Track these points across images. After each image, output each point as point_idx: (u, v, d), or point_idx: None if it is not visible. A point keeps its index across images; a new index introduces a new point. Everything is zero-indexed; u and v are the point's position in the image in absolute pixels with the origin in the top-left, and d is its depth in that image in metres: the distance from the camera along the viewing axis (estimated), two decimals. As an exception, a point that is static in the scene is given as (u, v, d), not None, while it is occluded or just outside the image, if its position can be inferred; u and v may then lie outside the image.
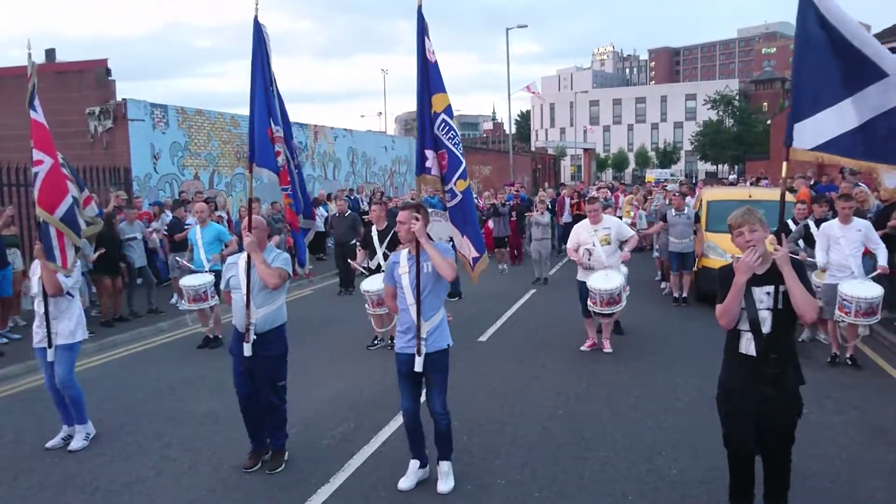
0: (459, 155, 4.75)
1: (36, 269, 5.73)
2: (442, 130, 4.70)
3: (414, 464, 4.83)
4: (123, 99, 15.35)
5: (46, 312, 5.62)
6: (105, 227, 10.33)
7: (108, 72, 15.46)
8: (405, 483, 4.76)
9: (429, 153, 4.73)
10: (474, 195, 19.07)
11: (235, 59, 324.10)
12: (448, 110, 4.74)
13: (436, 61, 4.75)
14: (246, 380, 5.12)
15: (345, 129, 26.09)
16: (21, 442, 5.88)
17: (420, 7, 4.64)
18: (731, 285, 3.84)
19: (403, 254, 4.85)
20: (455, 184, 4.72)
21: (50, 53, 21.25)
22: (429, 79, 4.70)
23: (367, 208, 18.62)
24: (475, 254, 4.76)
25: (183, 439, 5.82)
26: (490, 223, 16.73)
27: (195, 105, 17.51)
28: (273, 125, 5.12)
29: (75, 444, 5.67)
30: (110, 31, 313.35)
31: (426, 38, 4.69)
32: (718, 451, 4.91)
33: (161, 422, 6.27)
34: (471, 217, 4.87)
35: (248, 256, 5.06)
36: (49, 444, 5.73)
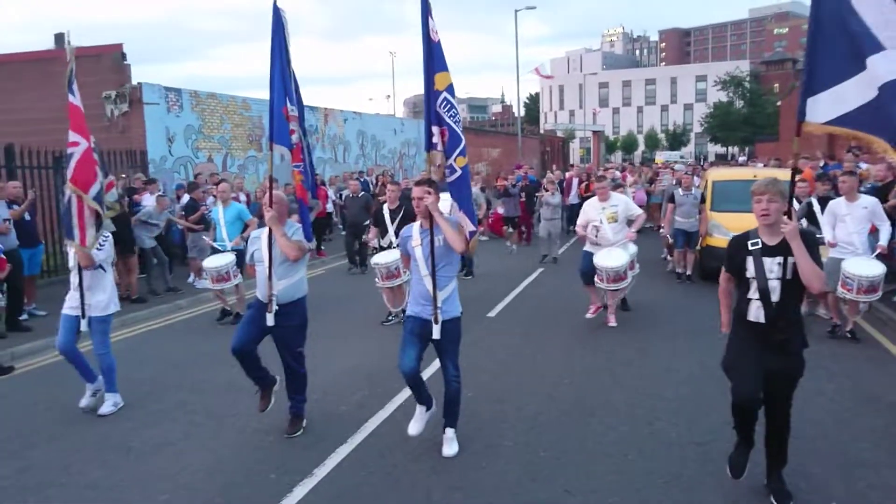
0: (459, 132, 4.96)
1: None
2: (444, 108, 4.91)
3: (420, 408, 5.12)
4: (139, 83, 15.64)
5: (81, 284, 5.96)
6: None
7: (124, 56, 15.71)
8: (414, 427, 5.05)
9: (434, 129, 4.97)
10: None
11: (244, 43, 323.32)
12: (450, 88, 4.95)
13: (439, 41, 4.96)
14: (251, 330, 5.35)
15: (354, 112, 26.29)
16: (52, 409, 6.22)
17: None
18: (737, 257, 4.10)
19: (415, 227, 5.13)
20: (455, 160, 4.93)
21: (59, 38, 21.47)
22: (432, 58, 4.93)
23: (376, 190, 18.91)
24: (471, 228, 4.95)
25: (207, 407, 6.15)
26: (500, 206, 17.00)
27: (205, 88, 17.76)
28: (289, 104, 5.37)
29: (105, 409, 6.03)
30: (119, 16, 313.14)
31: (430, 17, 4.92)
32: (715, 418, 5.24)
33: (185, 391, 6.61)
34: (467, 193, 5.05)
35: (270, 231, 5.36)
36: (82, 403, 6.08)
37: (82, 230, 5.89)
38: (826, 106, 3.95)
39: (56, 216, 12.49)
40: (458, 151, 4.93)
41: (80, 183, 5.85)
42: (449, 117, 4.92)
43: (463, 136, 5.00)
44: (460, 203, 4.96)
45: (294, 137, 5.44)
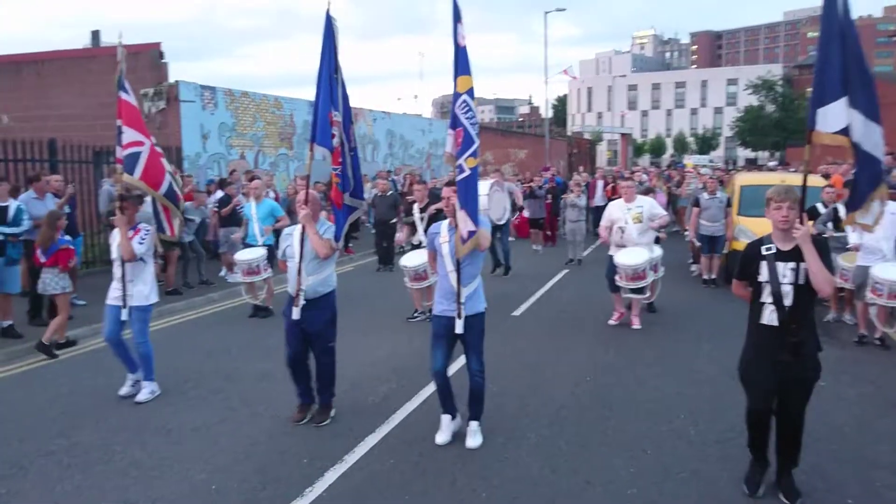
0: (474, 134, 5.12)
1: (115, 236, 6.34)
2: (462, 109, 5.10)
3: (446, 418, 5.31)
4: (176, 81, 16.07)
5: (123, 276, 6.24)
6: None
7: (162, 54, 16.17)
8: (441, 437, 5.23)
9: (450, 131, 5.17)
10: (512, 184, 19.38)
11: (273, 41, 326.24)
12: (470, 92, 5.13)
13: (465, 46, 5.16)
14: (295, 339, 5.62)
15: (383, 112, 26.57)
16: (96, 394, 6.50)
17: None
18: (752, 263, 4.22)
19: (444, 224, 5.32)
20: (465, 160, 5.09)
21: (95, 35, 22.02)
22: (458, 62, 5.12)
23: (404, 189, 19.14)
24: (471, 227, 5.05)
25: (241, 394, 6.40)
26: (525, 208, 17.13)
27: (228, 86, 18.10)
28: (333, 110, 5.59)
29: (142, 396, 6.28)
30: (146, 15, 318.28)
31: (459, 24, 5.11)
32: (734, 417, 5.34)
33: (220, 379, 6.86)
34: (473, 193, 5.14)
35: (303, 228, 5.58)
36: (121, 391, 6.37)
37: (170, 223, 6.26)
38: (835, 116, 4.14)
39: (94, 209, 12.91)
40: (469, 152, 5.09)
41: (151, 182, 6.18)
42: (466, 119, 5.11)
43: (476, 139, 5.14)
44: (464, 202, 5.08)
45: (335, 141, 5.66)
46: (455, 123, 5.12)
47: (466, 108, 5.12)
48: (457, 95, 5.12)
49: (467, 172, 5.09)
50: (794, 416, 4.28)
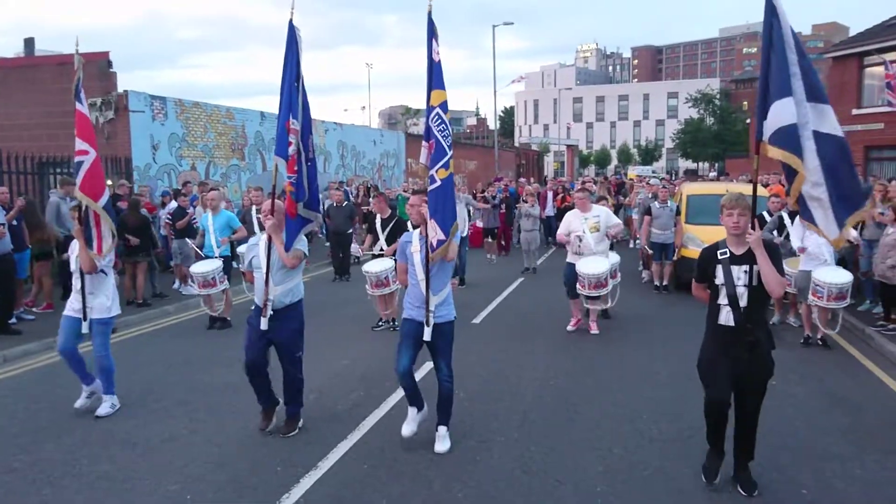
0: (446, 146, 5.25)
1: (74, 247, 6.21)
2: (434, 122, 5.24)
3: (412, 410, 5.37)
4: (125, 91, 15.73)
5: (83, 288, 6.11)
6: (133, 212, 10.92)
7: (110, 64, 15.83)
8: (407, 429, 5.29)
9: (424, 144, 5.29)
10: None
11: (218, 51, 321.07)
12: (443, 105, 5.28)
13: (439, 61, 5.30)
14: (256, 347, 5.56)
15: (335, 123, 26.51)
16: (53, 409, 6.34)
17: (430, 12, 5.19)
18: (708, 266, 4.47)
19: (415, 234, 5.43)
20: (437, 171, 5.22)
21: (28, 43, 21.20)
22: (432, 76, 5.26)
23: (358, 200, 19.14)
24: (440, 237, 5.17)
25: (208, 406, 6.34)
26: (479, 219, 17.34)
27: (179, 97, 17.82)
28: (292, 118, 5.59)
29: (102, 410, 6.14)
30: (90, 22, 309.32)
31: (434, 40, 5.24)
32: (694, 415, 5.57)
33: (184, 391, 6.78)
34: (444, 204, 5.22)
35: (268, 238, 5.57)
36: (77, 403, 6.20)
37: (99, 239, 6.07)
38: (769, 125, 4.35)
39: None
40: (440, 164, 5.21)
41: (90, 192, 6.02)
42: (438, 131, 5.24)
43: (449, 150, 5.26)
44: (434, 212, 5.19)
45: (291, 149, 5.63)
46: (428, 136, 5.24)
47: (439, 121, 5.25)
48: (430, 109, 5.24)
49: (438, 183, 5.21)
50: (751, 412, 4.53)
